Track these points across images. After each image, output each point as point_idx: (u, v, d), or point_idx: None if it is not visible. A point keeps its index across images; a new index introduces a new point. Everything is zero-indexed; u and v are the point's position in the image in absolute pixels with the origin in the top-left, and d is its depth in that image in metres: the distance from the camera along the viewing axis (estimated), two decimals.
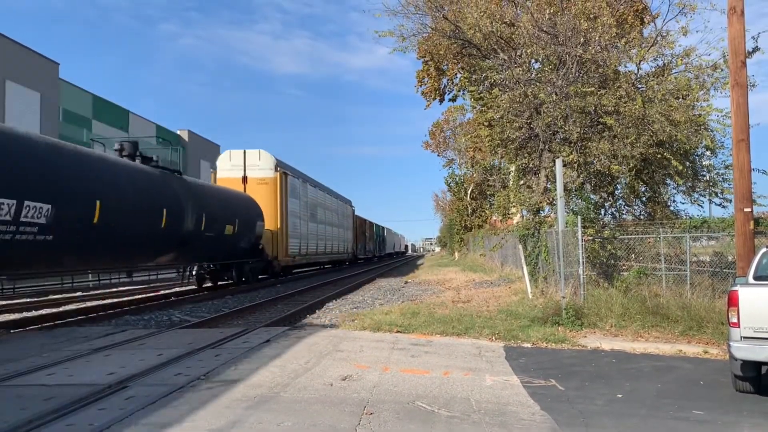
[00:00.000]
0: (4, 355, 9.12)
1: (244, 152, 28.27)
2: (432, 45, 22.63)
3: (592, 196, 17.13)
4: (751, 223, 10.54)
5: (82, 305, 18.57)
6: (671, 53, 16.95)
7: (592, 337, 11.24)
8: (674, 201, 18.21)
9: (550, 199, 16.96)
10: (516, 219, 22.33)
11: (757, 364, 7.06)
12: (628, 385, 7.71)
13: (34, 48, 35.84)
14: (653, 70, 17.38)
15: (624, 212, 18.52)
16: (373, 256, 72.65)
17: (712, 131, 16.45)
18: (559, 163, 13.93)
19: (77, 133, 37.99)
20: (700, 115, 16.30)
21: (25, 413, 5.89)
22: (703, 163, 17.64)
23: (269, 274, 29.08)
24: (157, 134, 49.11)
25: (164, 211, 17.33)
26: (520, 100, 16.94)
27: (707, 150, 17.15)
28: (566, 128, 16.48)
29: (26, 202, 11.65)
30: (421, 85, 28.48)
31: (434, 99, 28.42)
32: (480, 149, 28.48)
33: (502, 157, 21.03)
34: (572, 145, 16.63)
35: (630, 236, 15.51)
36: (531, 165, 18.00)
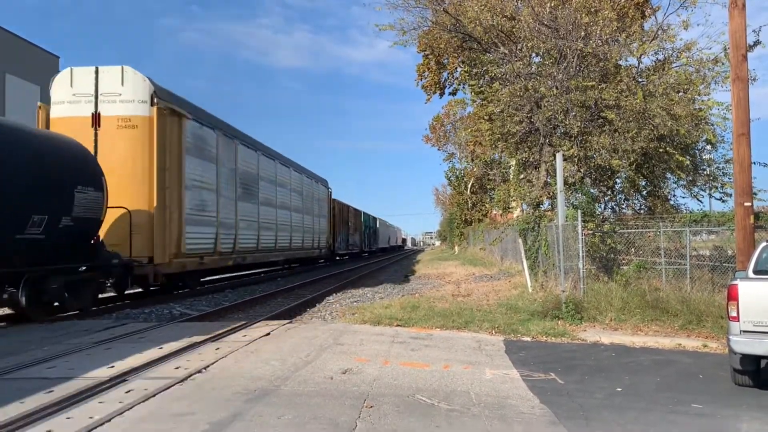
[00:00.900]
0: (4, 348, 9.13)
1: (96, 71, 16.50)
2: (432, 39, 22.59)
3: (592, 190, 17.13)
4: (752, 217, 10.54)
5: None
6: (672, 47, 16.96)
7: (592, 331, 11.26)
8: (674, 195, 18.25)
9: (551, 193, 16.96)
10: (516, 213, 22.34)
11: (757, 358, 7.07)
12: (627, 379, 7.73)
13: (35, 42, 35.78)
14: (654, 64, 17.37)
15: (624, 206, 18.54)
16: (360, 252, 61.78)
17: (712, 125, 16.47)
18: (559, 157, 13.92)
19: None
20: (700, 109, 16.29)
21: (26, 406, 5.90)
22: (704, 157, 17.65)
23: (143, 287, 18.12)
24: None
25: None
26: (521, 94, 16.92)
27: (708, 144, 17.17)
28: (567, 122, 16.46)
29: None
30: (421, 79, 28.48)
31: (434, 93, 28.42)
32: (480, 143, 28.45)
33: (502, 151, 21.00)
34: (573, 139, 16.61)
35: (630, 230, 15.51)
36: (531, 159, 17.99)
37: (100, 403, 6.13)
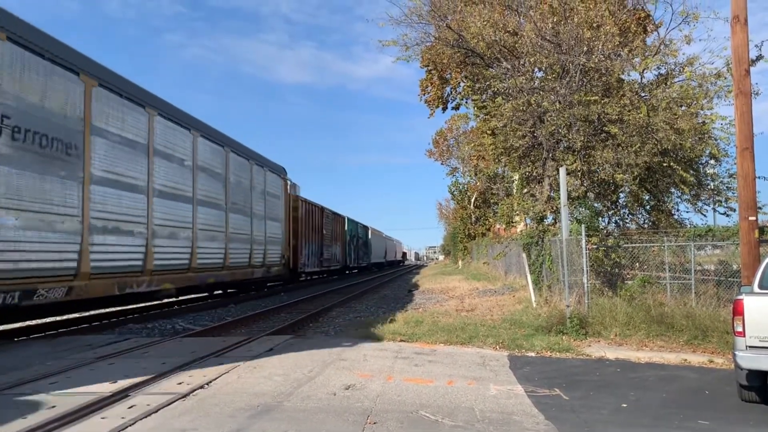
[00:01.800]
0: (7, 363, 9.11)
1: None
2: (435, 54, 22.68)
3: (596, 205, 17.11)
4: (756, 231, 10.49)
5: (86, 313, 18.54)
6: (675, 61, 16.99)
7: (597, 346, 11.20)
8: (678, 210, 18.21)
9: (554, 208, 16.94)
10: (520, 227, 22.31)
11: (763, 374, 7.01)
12: (632, 395, 7.67)
13: None
14: (657, 78, 17.40)
15: (628, 221, 18.49)
16: (344, 268, 49.08)
17: (716, 140, 16.45)
18: (562, 171, 13.93)
19: None
20: (704, 124, 16.30)
21: (27, 422, 5.88)
22: (708, 171, 17.64)
23: None
24: None
25: None
26: (524, 108, 16.96)
27: (711, 158, 17.16)
28: (570, 137, 16.48)
29: None
30: (424, 94, 28.51)
31: (437, 107, 28.43)
32: (483, 157, 28.50)
33: (505, 166, 21.03)
34: (576, 153, 16.62)
35: (634, 245, 15.48)
36: (534, 173, 17.99)
37: (103, 418, 6.10)
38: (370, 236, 65.42)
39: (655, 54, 16.88)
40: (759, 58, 15.44)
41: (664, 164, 15.84)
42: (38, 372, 8.35)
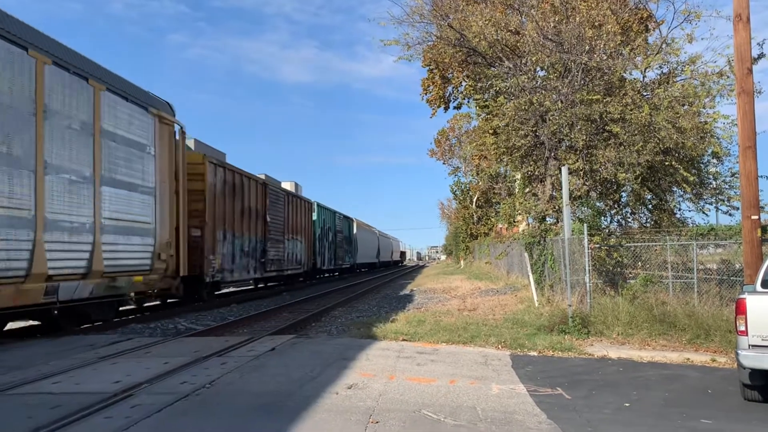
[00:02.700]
0: (10, 362, 9.13)
1: None
2: (437, 53, 22.65)
3: (598, 204, 17.10)
4: (759, 230, 10.49)
5: None
6: (677, 60, 16.97)
7: (599, 346, 11.19)
8: (680, 209, 18.18)
9: (556, 207, 16.93)
10: (521, 227, 22.29)
11: (766, 373, 7.00)
12: (635, 394, 7.67)
13: None
14: (659, 77, 17.38)
15: (630, 220, 18.48)
16: (313, 272, 37.60)
17: (718, 138, 16.42)
18: (564, 170, 13.92)
19: None
20: (706, 123, 16.28)
21: (32, 421, 5.90)
22: (710, 170, 17.62)
23: None
24: None
25: None
26: (526, 107, 16.95)
27: (714, 157, 17.14)
28: (572, 136, 16.47)
29: None
30: (426, 93, 28.51)
31: (439, 107, 28.44)
32: (485, 157, 28.45)
33: (507, 165, 20.99)
34: (578, 152, 16.61)
35: (636, 244, 15.47)
36: (536, 173, 17.98)
37: (107, 418, 6.11)
38: (355, 231, 55.28)
39: (657, 53, 16.87)
40: (761, 56, 15.44)
41: (666, 163, 15.83)
42: (42, 372, 8.37)
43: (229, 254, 22.46)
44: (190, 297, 20.08)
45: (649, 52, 16.99)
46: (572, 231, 14.08)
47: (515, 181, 20.94)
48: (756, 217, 10.48)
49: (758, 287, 7.39)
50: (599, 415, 6.68)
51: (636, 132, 15.54)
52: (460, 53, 20.87)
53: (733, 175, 16.75)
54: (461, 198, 59.24)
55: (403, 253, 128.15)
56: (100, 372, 8.41)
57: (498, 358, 10.07)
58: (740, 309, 7.08)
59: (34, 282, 11.63)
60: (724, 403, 7.31)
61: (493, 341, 11.40)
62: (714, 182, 17.37)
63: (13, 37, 11.29)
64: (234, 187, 22.83)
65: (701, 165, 17.37)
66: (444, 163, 61.89)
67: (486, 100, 20.20)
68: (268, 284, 31.06)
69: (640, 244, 15.45)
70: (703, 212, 17.48)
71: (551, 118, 16.63)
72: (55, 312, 12.76)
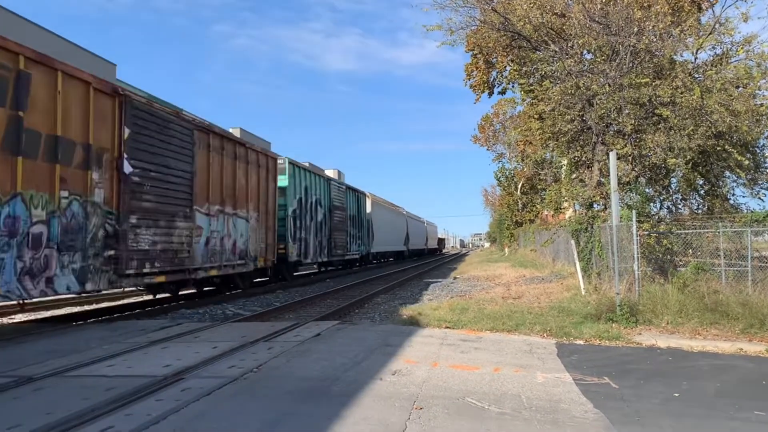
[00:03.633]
0: (67, 346, 9.49)
1: None
2: (480, 38, 22.39)
3: (647, 190, 16.70)
4: None
5: (140, 299, 19.17)
6: (731, 41, 16.37)
7: (648, 335, 10.97)
8: (734, 194, 17.61)
9: (604, 193, 16.61)
10: (568, 213, 21.95)
11: None
12: (685, 384, 7.50)
13: (93, 50, 36.79)
14: (711, 58, 16.80)
15: (681, 206, 18.01)
16: (290, 270, 26.02)
17: None
18: (612, 156, 13.62)
19: None
20: (762, 105, 15.69)
21: (88, 402, 6.12)
22: (766, 154, 17.01)
23: None
24: None
25: None
26: (572, 92, 16.63)
27: None
28: (620, 120, 16.10)
29: None
30: (469, 79, 28.24)
31: (483, 92, 28.14)
32: (530, 143, 28.06)
33: (553, 151, 20.68)
34: (626, 137, 16.23)
35: (687, 231, 15.06)
36: (584, 158, 17.65)
37: (158, 401, 6.30)
38: (368, 209, 42.04)
39: (710, 33, 16.30)
40: None
41: (719, 148, 15.34)
42: (96, 355, 8.67)
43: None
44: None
45: (701, 33, 16.44)
46: (620, 218, 13.80)
47: (561, 166, 20.61)
48: None
49: None
50: (647, 405, 6.56)
51: (687, 116, 15.09)
52: (504, 37, 20.58)
53: None
54: (506, 184, 58.67)
55: (441, 240, 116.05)
56: (151, 356, 8.66)
57: (543, 346, 9.97)
58: None
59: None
60: None
61: (538, 329, 11.29)
62: None
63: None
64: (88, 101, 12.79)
65: (756, 149, 16.78)
66: (488, 149, 61.33)
67: (531, 85, 19.89)
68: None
69: (690, 231, 15.04)
70: (759, 198, 16.91)
71: (598, 102, 16.28)
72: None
